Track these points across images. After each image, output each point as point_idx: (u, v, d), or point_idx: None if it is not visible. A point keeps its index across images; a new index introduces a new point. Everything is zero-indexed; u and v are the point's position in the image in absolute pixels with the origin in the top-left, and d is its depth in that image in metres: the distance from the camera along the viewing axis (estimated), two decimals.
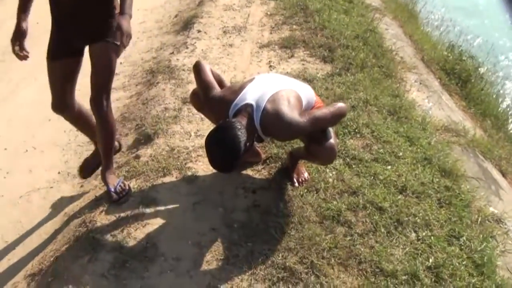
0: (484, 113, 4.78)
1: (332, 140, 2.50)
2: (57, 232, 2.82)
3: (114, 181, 2.81)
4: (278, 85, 2.58)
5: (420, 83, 4.38)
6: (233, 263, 2.45)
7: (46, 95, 2.72)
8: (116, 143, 3.00)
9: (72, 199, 3.08)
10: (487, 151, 3.78)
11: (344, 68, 4.08)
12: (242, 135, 2.29)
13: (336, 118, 2.55)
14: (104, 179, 2.80)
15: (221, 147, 2.29)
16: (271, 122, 2.43)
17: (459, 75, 5.05)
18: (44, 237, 2.84)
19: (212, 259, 2.48)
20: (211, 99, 2.57)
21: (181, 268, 2.43)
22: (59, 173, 3.30)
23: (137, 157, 3.18)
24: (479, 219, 2.83)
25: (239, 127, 2.32)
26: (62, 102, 2.66)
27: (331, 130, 2.55)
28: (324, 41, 4.47)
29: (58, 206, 3.05)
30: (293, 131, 2.42)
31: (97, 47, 2.56)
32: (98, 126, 2.63)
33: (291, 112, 2.40)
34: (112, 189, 2.76)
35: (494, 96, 5.28)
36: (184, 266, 2.44)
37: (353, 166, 3.04)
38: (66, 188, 3.13)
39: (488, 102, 4.99)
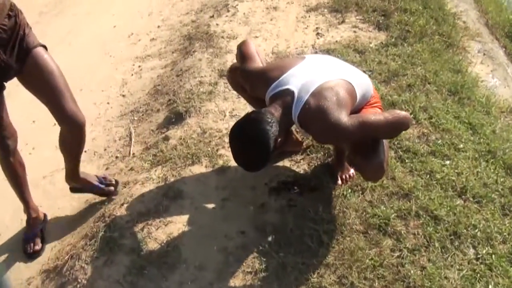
0: None
1: (381, 156, 1.94)
2: (76, 222, 2.49)
3: (92, 177, 2.49)
4: (330, 73, 2.07)
5: (484, 54, 3.71)
6: (262, 278, 2.07)
7: (79, 62, 2.25)
8: None
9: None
10: None
11: (400, 36, 3.48)
12: (272, 129, 1.86)
13: (394, 130, 2.01)
14: (84, 180, 2.47)
15: (245, 143, 1.89)
16: (311, 119, 1.96)
17: None
18: (63, 226, 2.54)
19: (238, 270, 2.11)
20: (249, 72, 2.12)
21: (204, 279, 2.08)
22: (85, 151, 2.91)
23: (166, 138, 2.77)
24: None
25: (270, 120, 1.88)
26: None
27: (384, 142, 1.99)
28: (379, 4, 3.83)
29: None
30: (336, 136, 1.94)
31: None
32: (79, 135, 2.17)
33: (338, 111, 1.90)
34: (99, 184, 2.47)
35: None
36: (208, 277, 2.08)
37: (407, 160, 2.55)
38: (90, 169, 2.78)
39: None
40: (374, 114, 1.98)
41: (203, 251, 2.18)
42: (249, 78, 2.12)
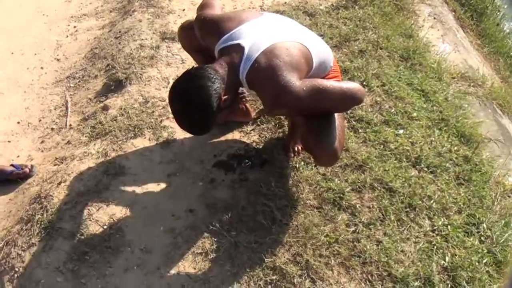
0: (497, 52, 4.06)
1: (335, 143, 1.81)
2: (11, 204, 2.23)
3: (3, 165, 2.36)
4: (286, 33, 1.90)
5: (435, 18, 3.66)
6: (213, 259, 1.96)
7: (9, 22, 1.97)
8: None
9: (30, 157, 2.45)
10: (505, 104, 3.13)
11: None
12: (214, 86, 1.71)
13: (347, 101, 1.87)
14: None
15: (185, 102, 1.73)
16: (260, 80, 1.80)
17: (475, 6, 4.26)
18: None
19: (187, 252, 1.98)
20: (205, 18, 1.94)
21: (151, 263, 1.94)
22: (18, 123, 2.67)
23: (105, 108, 2.56)
24: (499, 197, 2.31)
25: (212, 76, 1.72)
26: None
27: (337, 123, 1.88)
28: None
29: None
30: (286, 100, 1.77)
31: None
32: None
33: (290, 73, 1.75)
34: (13, 169, 2.32)
35: (507, 32, 4.52)
36: (154, 261, 1.95)
37: (360, 130, 2.47)
38: (25, 144, 2.56)
39: (502, 39, 4.24)
40: (328, 81, 1.82)
41: (148, 233, 2.04)
42: (203, 25, 1.94)
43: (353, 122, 2.51)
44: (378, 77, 2.78)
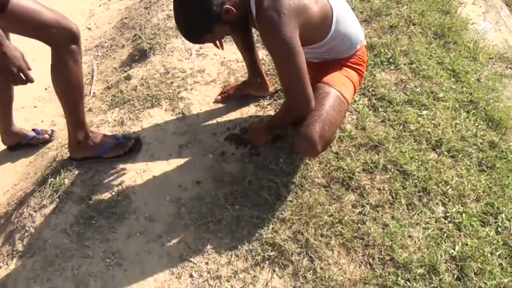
0: None
1: (316, 136, 1.75)
2: (30, 166, 2.32)
3: (25, 130, 2.38)
4: None
5: None
6: (214, 231, 1.95)
7: None
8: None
9: (53, 123, 2.54)
10: None
11: None
12: None
13: (294, 98, 1.81)
14: (18, 134, 2.34)
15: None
16: (260, 8, 1.68)
17: None
18: (18, 169, 2.40)
19: (190, 222, 1.98)
20: None
21: (153, 231, 1.96)
22: (46, 89, 2.73)
23: (128, 77, 2.58)
24: None
25: None
26: None
27: (328, 116, 1.84)
28: None
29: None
30: (266, 38, 1.69)
31: None
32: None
33: (289, 15, 1.64)
34: (31, 135, 2.37)
35: None
36: (157, 229, 1.97)
37: (380, 109, 2.37)
38: (50, 109, 2.61)
39: None
40: (303, 69, 1.70)
41: (154, 202, 2.05)
42: None
43: (374, 100, 2.41)
44: (407, 55, 2.64)
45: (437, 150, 2.22)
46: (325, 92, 1.89)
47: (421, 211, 2.00)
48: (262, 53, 2.70)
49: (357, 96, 2.40)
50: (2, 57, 1.53)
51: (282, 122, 1.98)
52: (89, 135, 2.10)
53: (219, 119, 2.38)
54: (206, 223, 1.97)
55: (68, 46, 1.82)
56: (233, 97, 2.43)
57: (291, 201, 2.01)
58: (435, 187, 2.07)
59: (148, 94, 2.49)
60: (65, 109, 1.98)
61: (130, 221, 2.00)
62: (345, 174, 2.11)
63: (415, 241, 1.90)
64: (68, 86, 1.85)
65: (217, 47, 2.02)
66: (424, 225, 1.96)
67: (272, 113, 2.40)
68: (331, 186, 2.07)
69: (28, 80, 1.60)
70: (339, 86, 1.93)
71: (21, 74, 1.59)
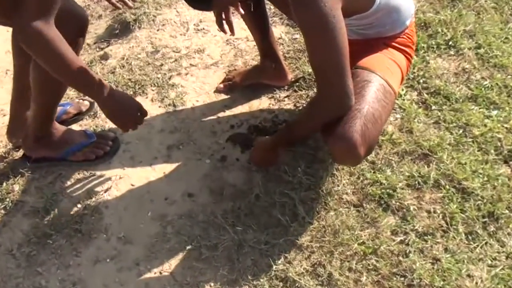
0: None
1: (357, 136, 1.73)
2: None
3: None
4: None
5: None
6: (208, 259, 1.96)
7: None
8: None
9: (2, 112, 2.53)
10: None
11: None
12: None
13: (329, 91, 1.82)
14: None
15: None
16: None
17: None
18: None
19: (177, 247, 2.00)
20: None
21: (129, 256, 1.98)
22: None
23: (105, 57, 2.65)
24: None
25: None
26: None
27: (370, 110, 1.82)
28: None
29: None
30: (303, 9, 1.69)
31: None
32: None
33: None
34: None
35: None
36: (134, 254, 1.98)
37: (433, 107, 2.39)
38: (6, 94, 2.58)
39: None
40: (344, 49, 1.71)
41: (132, 218, 2.08)
42: None
43: (425, 95, 2.42)
44: (472, 36, 2.66)
45: (510, 163, 2.20)
46: (365, 80, 1.88)
47: (486, 243, 1.98)
48: (280, 31, 2.72)
49: (402, 89, 2.40)
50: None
51: (308, 127, 1.97)
52: (51, 130, 2.11)
53: (221, 114, 2.40)
54: (198, 248, 1.97)
55: (74, 37, 1.86)
56: (240, 86, 2.45)
57: (310, 223, 2.02)
58: (507, 211, 2.06)
59: (130, 79, 2.53)
60: (39, 102, 2.03)
61: (99, 242, 2.01)
62: (383, 190, 2.11)
63: (476, 283, 1.88)
64: (56, 81, 1.89)
65: (224, 30, 2.02)
66: (490, 262, 1.94)
67: (290, 107, 2.41)
68: (364, 205, 2.07)
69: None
70: (383, 71, 1.93)
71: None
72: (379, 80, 1.89)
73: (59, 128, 2.15)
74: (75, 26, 1.89)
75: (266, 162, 2.13)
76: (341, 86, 1.76)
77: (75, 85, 1.83)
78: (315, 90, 2.44)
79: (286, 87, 2.47)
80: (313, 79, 2.45)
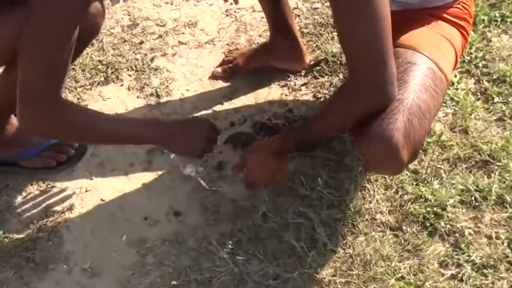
0: None
1: (398, 135, 1.68)
2: None
3: None
4: None
5: None
6: None
7: None
8: None
9: None
10: None
11: None
12: None
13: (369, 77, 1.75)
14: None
15: None
16: None
17: None
18: None
19: (159, 282, 1.97)
20: None
21: None
22: None
23: None
24: None
25: None
26: None
27: (416, 101, 1.77)
28: None
29: None
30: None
31: None
32: None
33: None
34: None
35: None
36: None
37: (496, 98, 2.37)
38: None
39: None
40: (386, 22, 1.68)
41: (101, 243, 2.06)
42: None
43: (485, 83, 2.42)
44: None
45: None
46: (408, 62, 1.85)
47: None
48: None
49: (455, 75, 2.38)
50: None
51: (334, 124, 1.91)
52: (3, 124, 2.12)
53: (218, 108, 2.39)
54: (187, 284, 1.96)
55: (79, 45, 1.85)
56: (244, 70, 2.45)
57: (334, 252, 2.01)
58: None
59: (100, 61, 2.53)
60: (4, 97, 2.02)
61: (58, 275, 2.00)
62: (429, 209, 2.09)
63: None
64: None
65: None
66: None
67: (308, 99, 2.41)
68: (404, 228, 2.06)
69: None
70: (431, 51, 1.89)
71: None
72: (427, 62, 1.85)
73: (13, 123, 2.13)
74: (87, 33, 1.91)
75: (268, 175, 2.03)
76: (382, 70, 1.71)
77: (125, 142, 2.01)
78: (341, 76, 2.45)
79: (303, 72, 2.47)
80: (340, 62, 2.46)
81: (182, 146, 1.91)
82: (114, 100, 2.38)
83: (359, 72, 1.76)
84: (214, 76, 2.45)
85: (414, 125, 1.72)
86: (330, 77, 2.46)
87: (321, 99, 2.39)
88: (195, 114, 2.37)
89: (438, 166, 2.18)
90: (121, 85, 2.45)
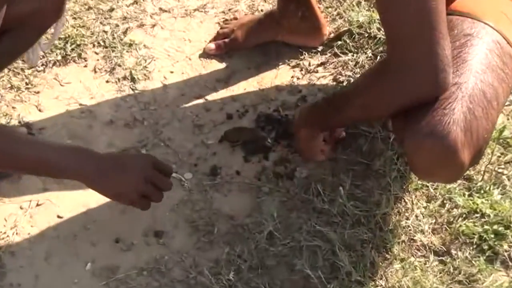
0: None
1: (457, 130, 1.65)
2: None
3: None
4: None
5: None
6: None
7: None
8: None
9: None
10: None
11: None
12: None
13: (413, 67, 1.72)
14: None
15: None
16: None
17: None
18: None
19: None
20: None
21: None
22: None
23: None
24: None
25: None
26: None
27: (477, 88, 1.73)
28: None
29: None
30: None
31: None
32: None
33: None
34: None
35: None
36: None
37: None
38: None
39: None
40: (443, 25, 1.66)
41: (57, 274, 2.04)
42: None
43: None
44: None
45: None
46: (466, 34, 1.82)
47: None
48: None
49: None
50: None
51: (368, 110, 1.90)
52: None
53: (211, 96, 2.40)
54: None
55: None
56: (244, 46, 2.44)
57: (361, 284, 1.99)
58: None
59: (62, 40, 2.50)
60: None
61: None
62: (487, 227, 2.08)
63: None
64: None
65: None
66: None
67: (327, 83, 2.41)
68: (454, 252, 2.05)
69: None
70: (496, 19, 1.86)
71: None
72: (491, 34, 1.81)
73: None
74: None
75: (308, 148, 2.17)
76: (433, 54, 1.68)
77: (40, 173, 1.97)
78: (370, 53, 2.45)
79: (320, 49, 2.46)
80: (368, 34, 2.47)
81: (111, 187, 1.91)
82: (75, 85, 2.37)
83: (402, 54, 1.74)
84: (206, 54, 2.44)
85: (477, 117, 1.68)
86: (355, 55, 2.46)
87: (344, 84, 2.39)
88: (179, 104, 2.36)
89: (499, 170, 2.17)
90: (85, 66, 2.44)
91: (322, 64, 2.43)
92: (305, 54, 2.44)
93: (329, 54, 2.46)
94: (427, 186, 2.12)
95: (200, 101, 2.36)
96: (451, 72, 1.68)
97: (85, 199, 2.17)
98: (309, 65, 2.43)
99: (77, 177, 1.87)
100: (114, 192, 1.93)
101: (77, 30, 2.48)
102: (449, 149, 1.64)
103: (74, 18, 2.54)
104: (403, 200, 2.12)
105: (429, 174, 1.88)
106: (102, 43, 2.47)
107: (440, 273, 2.01)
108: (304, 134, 2.12)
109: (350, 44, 2.45)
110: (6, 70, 2.41)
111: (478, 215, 2.09)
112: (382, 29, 2.35)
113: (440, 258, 2.04)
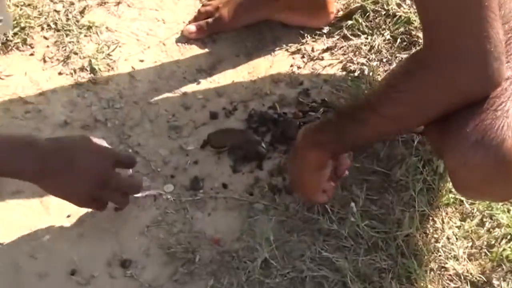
0: None
1: (510, 119, 1.62)
2: None
3: None
4: None
5: None
6: None
7: None
8: None
9: None
10: None
11: None
12: None
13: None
14: None
15: None
16: None
17: None
18: None
19: None
20: None
21: None
22: None
23: None
24: None
25: None
26: None
27: None
28: None
29: None
30: None
31: None
32: None
33: None
34: None
35: None
36: None
37: None
38: None
39: None
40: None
41: None
42: None
43: None
44: None
45: None
46: None
47: None
48: None
49: None
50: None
51: (400, 118, 1.82)
52: None
53: (191, 88, 2.37)
54: None
55: None
56: (231, 27, 2.43)
57: None
58: None
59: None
60: None
61: None
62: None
63: None
64: None
65: None
66: None
67: (334, 73, 2.39)
68: (496, 282, 2.02)
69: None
70: None
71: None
72: None
73: None
74: None
75: (306, 190, 2.06)
76: (483, 41, 1.62)
77: None
78: (388, 35, 2.44)
79: (326, 30, 2.44)
80: (386, 12, 2.47)
81: (60, 189, 1.95)
82: (19, 78, 2.35)
83: (442, 43, 1.68)
84: (184, 38, 2.42)
85: None
86: (369, 37, 2.45)
87: (355, 74, 2.35)
88: (151, 100, 2.34)
89: None
90: (31, 54, 2.43)
91: (328, 49, 2.42)
92: (307, 37, 2.43)
93: (337, 37, 2.45)
94: (462, 201, 2.10)
95: (177, 95, 2.34)
96: (504, 60, 1.63)
97: (30, 219, 2.15)
98: (313, 50, 2.41)
99: (18, 177, 1.89)
100: (63, 194, 1.96)
101: (21, 9, 2.46)
102: (504, 160, 1.59)
103: None
104: (430, 218, 2.10)
105: (480, 193, 1.84)
106: (53, 26, 2.45)
107: None
108: (309, 160, 2.00)
109: (363, 24, 2.45)
110: None
111: None
112: (403, 5, 2.38)
113: None
